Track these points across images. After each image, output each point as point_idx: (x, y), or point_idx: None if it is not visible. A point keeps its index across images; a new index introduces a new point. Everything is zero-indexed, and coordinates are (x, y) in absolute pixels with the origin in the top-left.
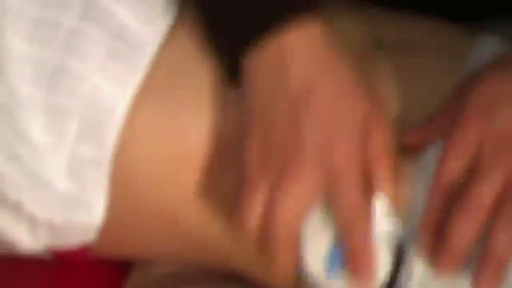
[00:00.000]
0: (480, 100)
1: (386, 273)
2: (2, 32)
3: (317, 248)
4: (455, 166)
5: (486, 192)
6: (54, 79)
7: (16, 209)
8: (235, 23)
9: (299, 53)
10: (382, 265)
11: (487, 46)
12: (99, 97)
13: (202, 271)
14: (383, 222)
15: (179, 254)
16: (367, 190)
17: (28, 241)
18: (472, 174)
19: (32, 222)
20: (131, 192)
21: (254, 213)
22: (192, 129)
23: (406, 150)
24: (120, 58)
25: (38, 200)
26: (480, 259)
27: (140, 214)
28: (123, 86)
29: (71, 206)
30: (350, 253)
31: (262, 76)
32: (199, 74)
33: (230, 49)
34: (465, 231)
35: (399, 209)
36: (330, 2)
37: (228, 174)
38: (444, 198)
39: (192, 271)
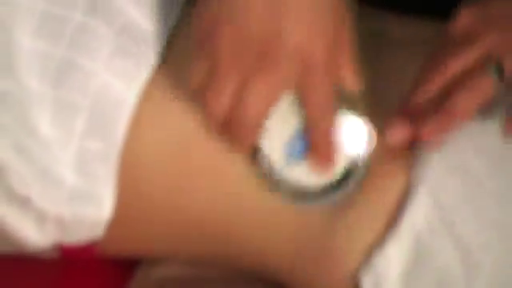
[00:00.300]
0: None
1: (346, 159)
2: (10, 27)
3: (279, 134)
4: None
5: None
6: (61, 74)
7: (24, 204)
8: None
9: None
10: (343, 159)
11: None
12: (107, 92)
13: (205, 271)
14: (349, 109)
15: (186, 250)
16: (335, 82)
17: (35, 236)
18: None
19: (40, 217)
20: (139, 187)
21: (224, 95)
22: (198, 122)
23: None
24: (127, 53)
25: (47, 195)
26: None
27: (148, 210)
28: (131, 81)
29: (79, 201)
30: (313, 139)
31: None
32: None
33: None
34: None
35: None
36: None
37: (237, 164)
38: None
39: (196, 272)
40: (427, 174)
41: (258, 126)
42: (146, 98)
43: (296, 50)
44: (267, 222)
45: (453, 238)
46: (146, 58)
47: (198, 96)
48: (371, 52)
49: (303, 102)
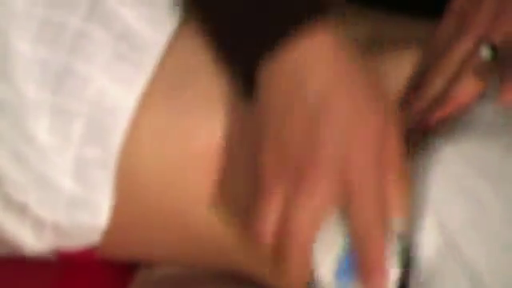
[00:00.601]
0: None
1: (395, 277)
2: (7, 33)
3: (328, 257)
4: (447, 26)
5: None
6: (59, 81)
7: (21, 210)
8: (248, 36)
9: (314, 64)
10: (393, 274)
11: None
12: (105, 98)
13: (205, 273)
14: (393, 232)
15: (185, 255)
16: (382, 204)
17: (33, 242)
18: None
19: (38, 224)
20: (137, 194)
21: (269, 225)
22: (199, 131)
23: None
24: (126, 59)
25: (44, 201)
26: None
27: (146, 216)
28: (129, 87)
29: (77, 208)
30: (362, 259)
31: (277, 88)
32: (205, 75)
33: (244, 62)
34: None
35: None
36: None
37: (237, 175)
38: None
39: (196, 273)
40: (432, 199)
41: (304, 252)
42: (144, 104)
43: (331, 167)
44: None
45: (461, 264)
46: (145, 64)
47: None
48: (369, 52)
49: (350, 221)
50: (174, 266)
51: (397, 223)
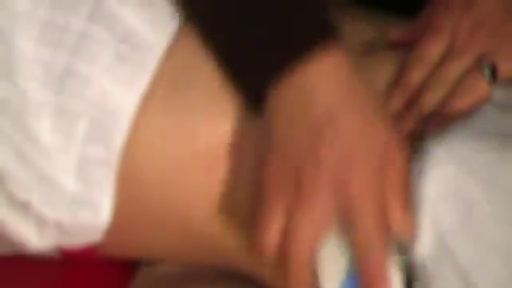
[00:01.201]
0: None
1: None
2: (11, 35)
3: (332, 274)
4: (433, 49)
5: (454, 67)
6: (62, 81)
7: (25, 208)
8: (257, 56)
9: (324, 83)
10: (395, 285)
11: None
12: (107, 99)
13: (207, 271)
14: (395, 248)
15: (186, 253)
16: (383, 219)
17: (36, 240)
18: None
19: (40, 222)
20: (138, 192)
21: (271, 237)
22: (199, 130)
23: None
24: (127, 60)
25: (47, 200)
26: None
27: (147, 215)
28: (131, 88)
29: (79, 206)
30: (365, 279)
31: (287, 104)
32: (206, 76)
33: (254, 82)
34: (430, 97)
35: (410, 237)
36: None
37: (239, 185)
38: (422, 71)
39: (197, 271)
40: (426, 201)
41: (305, 265)
42: (145, 104)
43: (333, 182)
44: None
45: (453, 265)
46: (146, 65)
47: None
48: (367, 53)
49: (350, 238)
50: (175, 264)
51: (398, 235)
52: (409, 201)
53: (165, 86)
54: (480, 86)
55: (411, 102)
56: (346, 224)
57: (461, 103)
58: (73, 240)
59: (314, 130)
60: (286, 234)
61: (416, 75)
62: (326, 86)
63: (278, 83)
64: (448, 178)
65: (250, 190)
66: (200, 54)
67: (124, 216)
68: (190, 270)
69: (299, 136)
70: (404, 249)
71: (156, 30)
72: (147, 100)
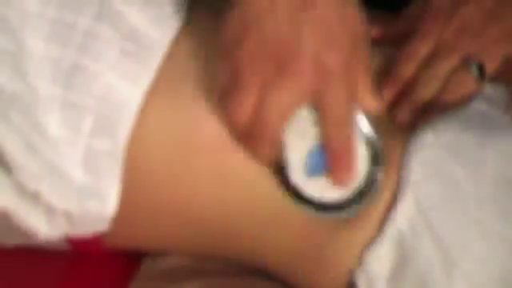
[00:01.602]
0: (442, 2)
1: (364, 173)
2: (22, 33)
3: (300, 149)
4: (421, 49)
5: (444, 65)
6: (70, 77)
7: (34, 198)
8: None
9: None
10: (362, 165)
11: None
12: (113, 94)
13: (209, 262)
14: (363, 126)
15: (191, 242)
16: (352, 97)
17: (45, 229)
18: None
19: (50, 211)
20: (143, 183)
21: (245, 107)
22: (200, 122)
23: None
24: (132, 57)
25: (56, 190)
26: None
27: (151, 204)
28: (135, 83)
29: (86, 196)
30: (332, 151)
31: None
32: (206, 72)
33: None
34: (424, 92)
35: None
36: None
37: (237, 161)
38: (413, 67)
39: (199, 262)
40: (410, 177)
41: (275, 138)
42: (149, 98)
43: (313, 60)
44: (269, 223)
45: (433, 239)
46: (150, 62)
47: (221, 102)
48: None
49: (320, 115)
50: (177, 255)
51: (365, 121)
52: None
53: (168, 81)
54: (468, 82)
55: (401, 94)
56: (318, 100)
57: (451, 98)
58: (80, 229)
59: (295, 11)
60: (259, 105)
61: (407, 70)
62: None
63: None
64: (434, 160)
65: (254, 183)
66: (201, 51)
67: (129, 205)
68: (192, 262)
69: (278, 19)
70: (372, 137)
71: (160, 28)
72: (151, 95)
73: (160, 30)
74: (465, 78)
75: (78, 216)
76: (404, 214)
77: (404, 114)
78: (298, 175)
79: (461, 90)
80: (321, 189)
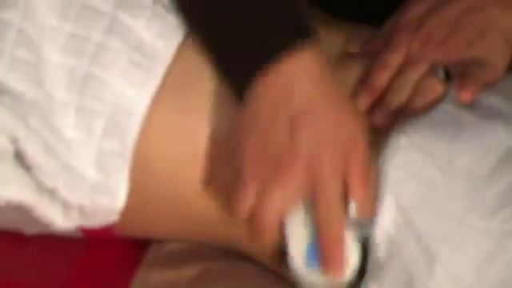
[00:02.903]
0: (410, 17)
1: (355, 264)
2: (40, 45)
3: (298, 243)
4: (393, 60)
5: (413, 73)
6: (83, 85)
7: (52, 194)
8: (243, 50)
9: (301, 79)
10: (352, 257)
11: None
12: (122, 99)
13: (208, 248)
14: (354, 222)
15: (189, 233)
16: (344, 196)
17: (61, 221)
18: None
19: (65, 206)
20: (149, 181)
21: (246, 204)
22: (201, 127)
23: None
24: (139, 67)
25: (70, 187)
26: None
27: (156, 200)
28: (142, 90)
29: (98, 193)
30: (323, 246)
31: (267, 97)
32: (207, 81)
33: (239, 74)
34: (396, 98)
35: (367, 212)
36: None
37: (224, 166)
38: (385, 77)
39: (199, 248)
40: (390, 181)
41: (272, 232)
42: (155, 104)
43: (307, 160)
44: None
45: (414, 235)
46: (156, 70)
47: (228, 195)
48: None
49: (313, 209)
50: (180, 242)
51: (358, 210)
52: (369, 181)
53: (172, 88)
54: (436, 87)
55: (376, 102)
56: (313, 198)
57: (421, 102)
58: (92, 221)
59: (292, 120)
60: (257, 203)
61: (381, 79)
62: (304, 82)
63: (260, 75)
64: (410, 161)
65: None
66: (202, 61)
67: (136, 200)
68: (197, 247)
69: (279, 124)
70: (363, 224)
71: (165, 39)
72: (156, 100)
73: (165, 41)
74: (433, 83)
75: (91, 209)
76: (388, 217)
77: (379, 119)
78: (298, 263)
79: (430, 94)
80: (317, 278)
